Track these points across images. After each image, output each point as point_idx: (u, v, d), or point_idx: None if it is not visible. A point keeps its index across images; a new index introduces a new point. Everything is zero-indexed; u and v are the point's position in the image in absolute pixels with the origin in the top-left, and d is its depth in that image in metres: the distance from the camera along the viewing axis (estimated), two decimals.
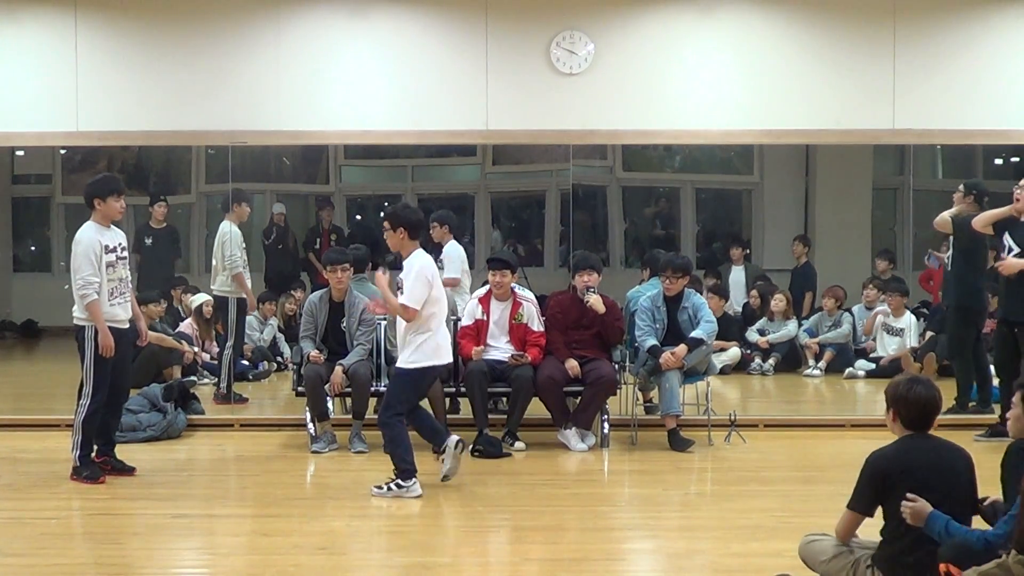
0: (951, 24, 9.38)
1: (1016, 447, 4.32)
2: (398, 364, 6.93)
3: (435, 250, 8.93)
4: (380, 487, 6.84)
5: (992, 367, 8.72)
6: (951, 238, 9.05)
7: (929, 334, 11.18)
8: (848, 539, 4.56)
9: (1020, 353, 8.03)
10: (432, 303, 6.79)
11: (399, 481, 6.80)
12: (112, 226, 7.21)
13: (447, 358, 7.04)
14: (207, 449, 8.46)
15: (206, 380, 10.53)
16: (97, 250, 7.01)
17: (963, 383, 9.00)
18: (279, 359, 11.38)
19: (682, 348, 8.27)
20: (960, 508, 4.30)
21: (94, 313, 6.99)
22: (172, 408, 8.70)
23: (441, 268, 8.80)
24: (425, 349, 6.79)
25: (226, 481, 7.69)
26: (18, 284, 13.63)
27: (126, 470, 7.31)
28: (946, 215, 8.93)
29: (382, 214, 7.08)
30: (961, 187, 9.06)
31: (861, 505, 4.46)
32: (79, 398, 7.11)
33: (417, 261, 6.81)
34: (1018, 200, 7.99)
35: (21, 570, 5.42)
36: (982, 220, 8.38)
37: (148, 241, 11.41)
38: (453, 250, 9.41)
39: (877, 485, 4.38)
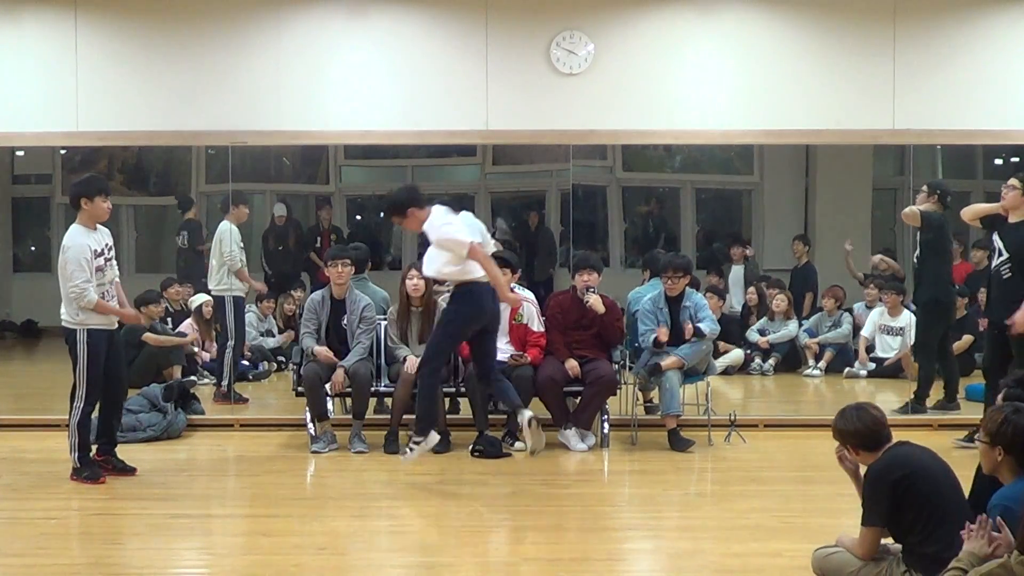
0: (951, 24, 9.38)
1: (995, 504, 4.16)
2: None
3: None
4: None
5: (983, 369, 8.63)
6: (918, 235, 9.09)
7: None
8: (874, 554, 4.54)
9: (1008, 356, 7.87)
10: None
11: None
12: (98, 227, 7.20)
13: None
14: (207, 449, 8.46)
15: (206, 380, 10.53)
16: (88, 256, 6.99)
17: (925, 381, 9.00)
18: (280, 359, 11.37)
19: (689, 328, 8.28)
20: (963, 501, 4.33)
21: (103, 310, 7.04)
22: (172, 408, 8.70)
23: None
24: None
25: (226, 481, 7.70)
26: (18, 284, 13.61)
27: (127, 470, 7.31)
28: (915, 208, 8.96)
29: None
30: (925, 187, 9.11)
31: (878, 519, 4.46)
32: (72, 401, 7.11)
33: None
34: (1004, 197, 7.98)
35: (21, 570, 5.42)
36: (971, 212, 8.34)
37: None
38: None
39: (889, 495, 4.37)
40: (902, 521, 4.41)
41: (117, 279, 7.34)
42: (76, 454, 7.15)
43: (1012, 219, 7.88)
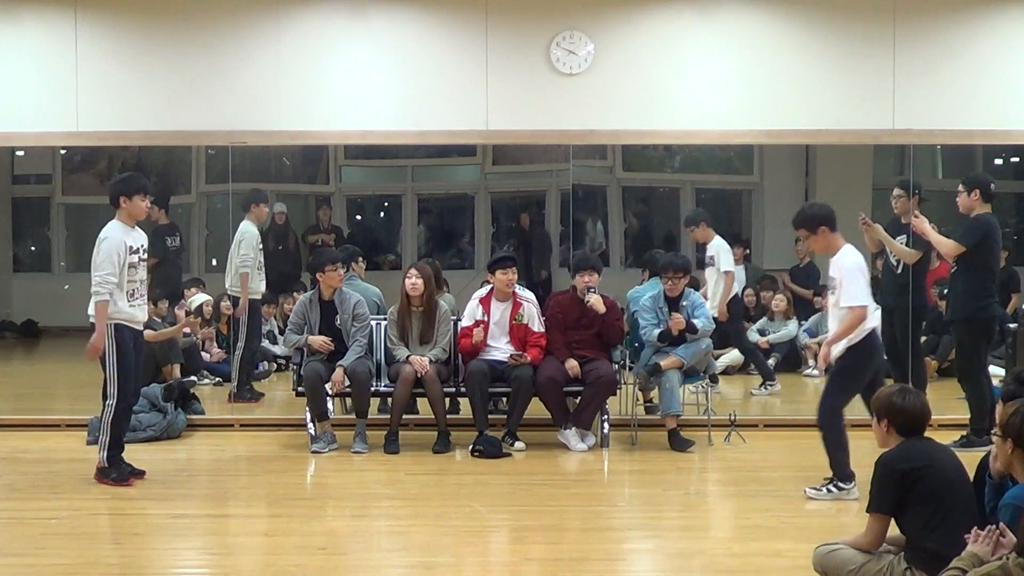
0: (951, 24, 9.37)
1: (1007, 503, 4.16)
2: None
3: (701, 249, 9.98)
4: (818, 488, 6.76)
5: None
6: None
7: (924, 338, 11.13)
8: (881, 545, 4.53)
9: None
10: None
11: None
12: (135, 226, 7.18)
13: None
14: (207, 449, 8.46)
15: (206, 380, 10.53)
16: (122, 251, 6.97)
17: (920, 385, 9.05)
18: (279, 361, 11.37)
19: (681, 321, 8.33)
20: (973, 504, 4.35)
21: (100, 313, 6.91)
22: (172, 408, 8.70)
23: (712, 264, 9.89)
24: None
25: (226, 481, 7.69)
26: (18, 284, 13.64)
27: (136, 474, 7.24)
28: (910, 252, 8.94)
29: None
30: (903, 191, 9.09)
31: (882, 506, 4.46)
32: (104, 399, 7.05)
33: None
34: (959, 204, 8.22)
35: (21, 570, 5.42)
36: (950, 249, 8.36)
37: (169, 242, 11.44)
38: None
39: (897, 484, 4.39)
40: (907, 513, 4.43)
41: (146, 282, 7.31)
42: (105, 452, 7.04)
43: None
